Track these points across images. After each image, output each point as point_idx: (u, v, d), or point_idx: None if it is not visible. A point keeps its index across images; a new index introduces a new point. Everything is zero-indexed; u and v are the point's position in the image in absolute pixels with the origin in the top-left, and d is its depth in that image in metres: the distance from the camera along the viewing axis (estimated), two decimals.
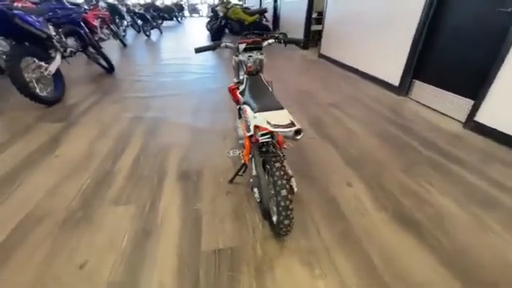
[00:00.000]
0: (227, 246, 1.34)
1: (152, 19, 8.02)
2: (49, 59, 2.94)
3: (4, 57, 2.81)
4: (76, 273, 1.20)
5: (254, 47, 1.69)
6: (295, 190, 1.39)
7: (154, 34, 8.55)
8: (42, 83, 2.88)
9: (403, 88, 3.42)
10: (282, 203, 1.15)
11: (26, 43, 2.80)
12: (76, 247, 1.31)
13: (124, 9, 7.39)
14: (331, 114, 2.86)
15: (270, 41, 1.73)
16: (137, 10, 7.60)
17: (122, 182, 1.78)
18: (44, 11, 3.06)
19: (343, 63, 4.75)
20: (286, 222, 1.18)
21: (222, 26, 6.97)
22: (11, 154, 2.05)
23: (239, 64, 1.77)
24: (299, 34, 6.58)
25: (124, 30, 7.48)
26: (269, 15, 8.71)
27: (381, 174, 1.89)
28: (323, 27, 5.38)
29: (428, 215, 1.54)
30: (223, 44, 1.64)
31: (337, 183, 1.79)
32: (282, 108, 1.24)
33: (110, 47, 6.25)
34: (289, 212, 1.16)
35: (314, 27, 6.25)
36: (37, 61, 2.80)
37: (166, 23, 11.20)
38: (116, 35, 6.10)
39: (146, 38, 7.82)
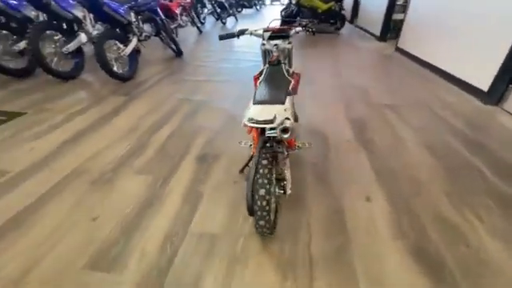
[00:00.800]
0: (212, 232, 1.36)
1: (230, 7, 8.38)
2: (127, 42, 3.43)
3: None
4: (88, 223, 1.42)
5: (281, 36, 1.59)
6: (288, 192, 1.30)
7: (230, 21, 8.95)
8: (120, 62, 3.39)
9: (494, 95, 2.71)
10: (259, 202, 1.09)
11: (111, 27, 3.33)
12: (95, 203, 1.55)
13: None
14: (382, 117, 2.50)
15: (298, 29, 1.60)
16: None
17: (150, 155, 1.99)
18: (128, 1, 3.56)
19: (422, 59, 4.03)
20: (261, 222, 1.12)
21: (292, 14, 6.77)
22: (82, 119, 2.52)
23: (265, 53, 1.71)
24: (377, 25, 5.86)
25: (204, 18, 8.06)
26: (348, 2, 8.01)
27: (414, 195, 1.58)
28: (405, 16, 4.64)
29: (460, 257, 1.22)
30: (248, 31, 1.61)
31: (354, 195, 1.58)
32: (281, 102, 1.16)
33: (188, 33, 6.85)
34: (264, 213, 1.10)
35: (396, 16, 5.45)
36: (117, 43, 3.31)
37: (244, 11, 11.56)
38: (193, 22, 6.63)
39: (221, 25, 8.27)
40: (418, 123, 2.39)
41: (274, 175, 1.29)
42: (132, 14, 3.58)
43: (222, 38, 1.63)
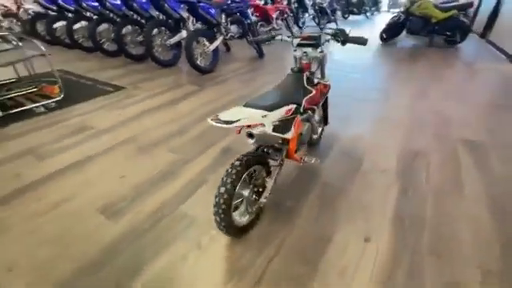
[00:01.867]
0: (193, 215, 1.48)
1: (332, 12, 8.16)
2: (212, 39, 3.91)
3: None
4: (116, 179, 1.78)
5: (311, 44, 1.54)
6: (262, 200, 1.29)
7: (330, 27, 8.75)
8: (203, 57, 3.90)
9: None
10: (216, 199, 1.13)
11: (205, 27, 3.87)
12: (128, 166, 1.92)
13: (310, 2, 7.99)
14: (450, 154, 2.01)
15: (327, 37, 1.50)
16: (321, 4, 7.99)
17: (188, 138, 2.27)
18: (221, 4, 4.03)
19: None
20: (216, 218, 1.16)
21: (398, 24, 6.00)
22: (158, 99, 3.07)
23: (296, 59, 1.68)
24: None
25: (303, 23, 8.16)
26: (484, 10, 6.51)
27: (432, 253, 1.25)
28: None
29: None
30: (278, 37, 1.62)
31: (352, 230, 1.39)
32: (264, 109, 1.16)
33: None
34: (220, 210, 1.13)
35: None
36: (205, 40, 3.81)
37: (351, 17, 10.96)
38: (288, 27, 6.82)
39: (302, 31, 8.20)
40: (498, 172, 1.81)
41: (254, 179, 1.30)
42: (223, 16, 4.03)
43: (252, 41, 1.68)
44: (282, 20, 6.60)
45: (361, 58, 4.87)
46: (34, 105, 2.82)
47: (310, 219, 1.45)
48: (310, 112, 1.56)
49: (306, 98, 1.45)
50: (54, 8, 5.21)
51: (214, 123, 1.05)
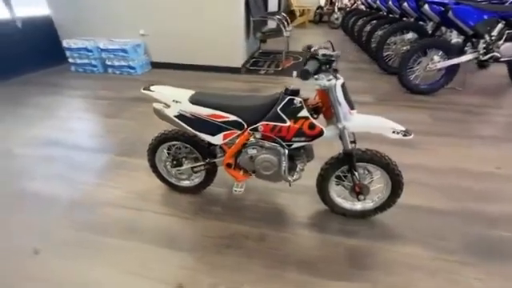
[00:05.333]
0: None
1: None
2: (455, 55, 2.83)
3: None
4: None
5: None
6: None
7: None
8: (423, 74, 3.04)
9: None
10: None
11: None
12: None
13: None
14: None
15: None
16: None
17: None
18: (499, 8, 2.61)
19: None
20: None
21: None
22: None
23: None
24: None
25: None
26: None
27: None
28: None
29: None
30: None
31: None
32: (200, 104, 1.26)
33: None
34: None
35: None
36: (439, 54, 2.89)
37: None
38: None
39: None
40: None
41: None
42: (498, 27, 2.68)
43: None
44: None
45: None
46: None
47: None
48: (267, 143, 1.26)
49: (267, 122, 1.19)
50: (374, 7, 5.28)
51: (142, 90, 1.34)
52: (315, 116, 1.20)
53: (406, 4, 3.72)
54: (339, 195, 1.41)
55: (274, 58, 4.63)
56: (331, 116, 1.17)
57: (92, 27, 3.91)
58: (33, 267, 1.19)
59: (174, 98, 1.27)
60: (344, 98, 1.13)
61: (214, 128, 1.26)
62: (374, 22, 4.48)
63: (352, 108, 1.16)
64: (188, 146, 1.43)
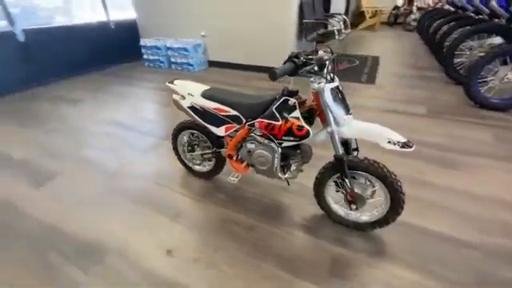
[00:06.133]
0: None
1: None
2: None
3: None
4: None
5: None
6: None
7: None
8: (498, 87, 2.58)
9: None
10: None
11: None
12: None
13: None
14: None
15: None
16: None
17: None
18: None
19: None
20: None
21: None
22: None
23: None
24: None
25: None
26: None
27: None
28: None
29: None
30: None
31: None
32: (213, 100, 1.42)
33: None
34: None
35: None
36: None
37: None
38: None
39: None
40: None
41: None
42: None
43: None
44: None
45: None
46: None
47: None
48: (264, 139, 1.32)
49: (262, 119, 1.26)
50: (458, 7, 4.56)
51: (167, 83, 1.57)
52: (310, 119, 1.22)
53: (494, 2, 3.15)
54: (337, 202, 1.37)
55: None
56: (325, 119, 1.17)
57: (165, 29, 4.53)
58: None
59: (189, 92, 1.45)
60: (338, 102, 1.11)
61: (218, 120, 1.40)
62: (453, 23, 3.91)
63: (348, 113, 1.13)
64: (202, 135, 1.60)
